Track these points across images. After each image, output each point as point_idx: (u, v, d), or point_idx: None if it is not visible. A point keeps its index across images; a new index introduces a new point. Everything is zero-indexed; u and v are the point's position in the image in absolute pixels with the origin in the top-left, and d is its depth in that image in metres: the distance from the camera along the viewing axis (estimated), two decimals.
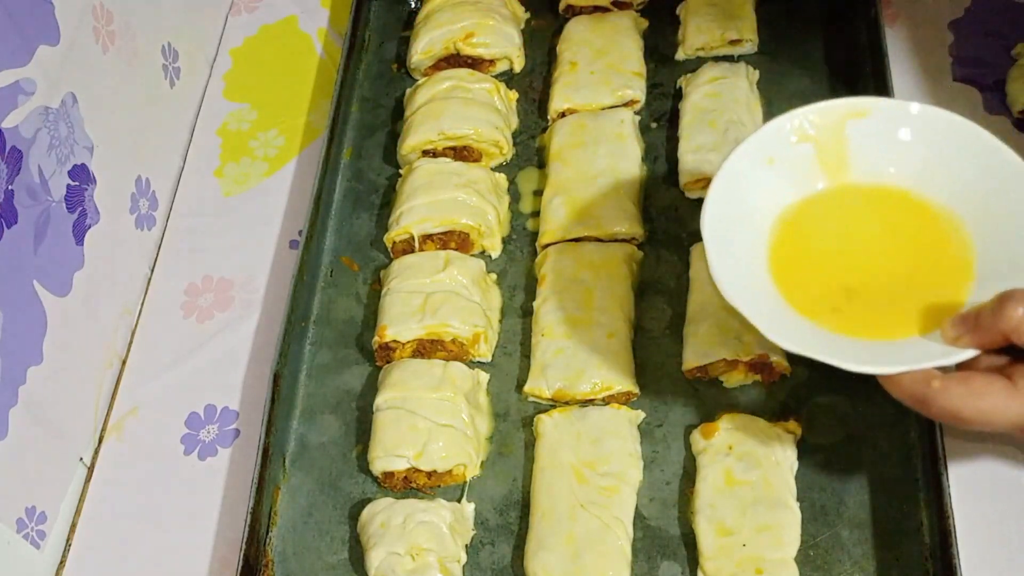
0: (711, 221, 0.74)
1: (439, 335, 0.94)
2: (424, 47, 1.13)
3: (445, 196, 1.00)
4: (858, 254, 0.77)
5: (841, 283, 0.75)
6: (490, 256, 1.02)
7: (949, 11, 1.13)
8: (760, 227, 0.78)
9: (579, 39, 1.13)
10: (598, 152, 1.03)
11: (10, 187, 0.85)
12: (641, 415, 0.89)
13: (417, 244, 1.01)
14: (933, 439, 0.81)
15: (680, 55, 1.13)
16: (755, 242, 0.77)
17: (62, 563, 0.92)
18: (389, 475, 0.88)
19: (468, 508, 0.87)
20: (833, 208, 0.79)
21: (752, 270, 0.76)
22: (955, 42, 1.10)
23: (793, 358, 0.89)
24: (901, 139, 0.78)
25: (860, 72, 1.07)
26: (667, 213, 1.02)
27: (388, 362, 0.94)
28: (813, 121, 0.79)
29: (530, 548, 0.83)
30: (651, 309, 0.96)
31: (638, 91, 1.08)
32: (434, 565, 0.82)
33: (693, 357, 0.90)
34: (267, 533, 0.88)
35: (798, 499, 0.82)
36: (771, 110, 1.04)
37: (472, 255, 1.01)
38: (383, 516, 0.84)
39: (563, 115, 1.08)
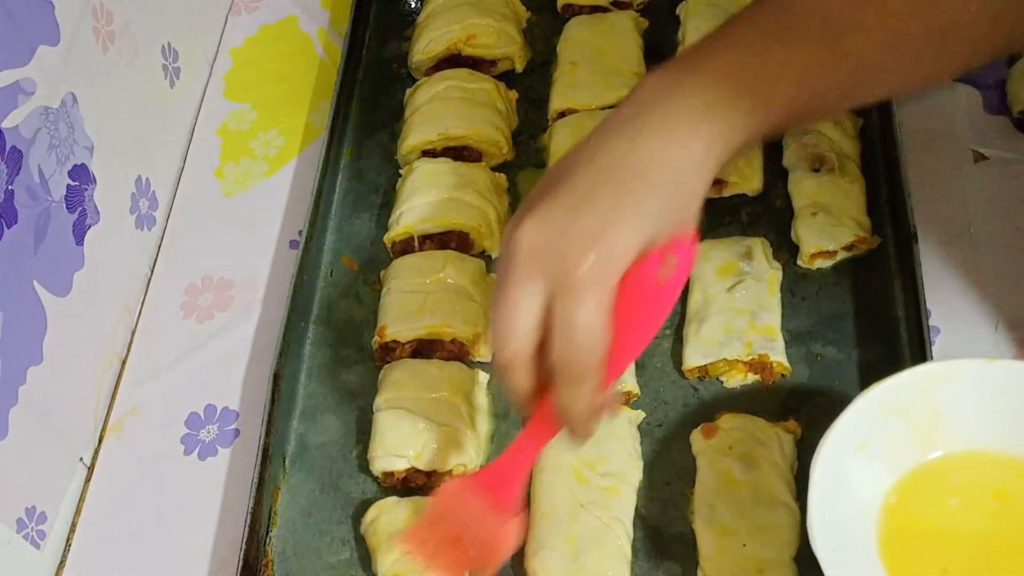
0: (818, 515, 0.70)
1: (439, 335, 0.94)
2: (425, 48, 1.13)
3: (445, 196, 1.00)
4: (959, 531, 0.73)
5: (943, 565, 0.72)
6: (490, 256, 1.02)
7: None
8: (866, 515, 0.74)
9: (579, 39, 1.13)
10: None
11: (10, 187, 0.84)
12: (641, 415, 0.89)
13: (417, 244, 1.01)
14: None
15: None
16: (864, 531, 0.74)
17: (62, 563, 0.91)
18: (389, 475, 0.88)
19: None
20: (935, 484, 0.75)
21: (865, 562, 0.72)
22: None
23: (793, 358, 0.89)
24: (991, 399, 0.74)
25: None
26: None
27: (388, 362, 0.94)
28: (901, 394, 0.75)
29: (530, 548, 0.82)
30: None
31: None
32: None
33: (693, 357, 0.90)
34: (267, 533, 0.88)
35: (798, 499, 0.81)
36: None
37: (472, 255, 1.01)
38: (390, 516, 0.84)
39: (563, 115, 1.08)
